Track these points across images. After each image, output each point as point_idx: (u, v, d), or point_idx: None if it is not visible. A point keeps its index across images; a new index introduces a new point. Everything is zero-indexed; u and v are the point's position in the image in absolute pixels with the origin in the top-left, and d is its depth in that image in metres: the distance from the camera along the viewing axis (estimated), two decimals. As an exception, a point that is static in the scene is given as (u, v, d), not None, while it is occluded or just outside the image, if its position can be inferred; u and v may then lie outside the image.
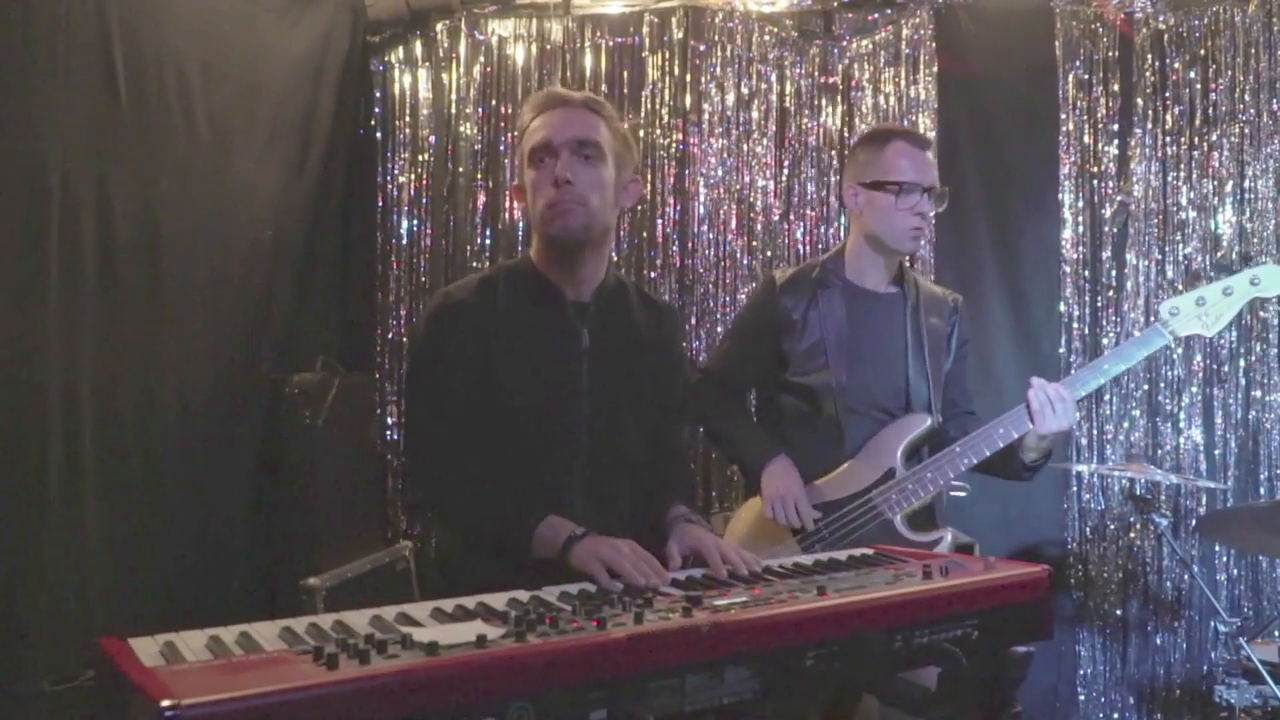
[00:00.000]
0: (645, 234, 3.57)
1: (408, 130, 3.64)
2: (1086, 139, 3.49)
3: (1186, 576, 3.39)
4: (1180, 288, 3.37)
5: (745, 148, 3.57)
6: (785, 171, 3.57)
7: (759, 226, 3.56)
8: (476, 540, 1.80)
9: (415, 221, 3.63)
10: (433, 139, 3.61)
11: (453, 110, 3.60)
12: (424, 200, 3.64)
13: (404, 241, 3.63)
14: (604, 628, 1.23)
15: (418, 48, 3.63)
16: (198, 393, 2.69)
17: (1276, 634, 2.61)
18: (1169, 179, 3.46)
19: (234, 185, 2.88)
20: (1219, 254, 3.41)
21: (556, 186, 1.81)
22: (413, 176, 3.63)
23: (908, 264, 2.64)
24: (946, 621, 1.50)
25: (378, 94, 3.64)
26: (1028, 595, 1.62)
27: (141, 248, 2.45)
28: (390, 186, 3.64)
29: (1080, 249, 3.49)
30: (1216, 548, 3.39)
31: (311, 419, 3.01)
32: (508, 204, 3.55)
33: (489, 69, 3.59)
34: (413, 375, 1.92)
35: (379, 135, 3.64)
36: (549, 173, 1.83)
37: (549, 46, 3.58)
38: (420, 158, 3.63)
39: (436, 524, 2.02)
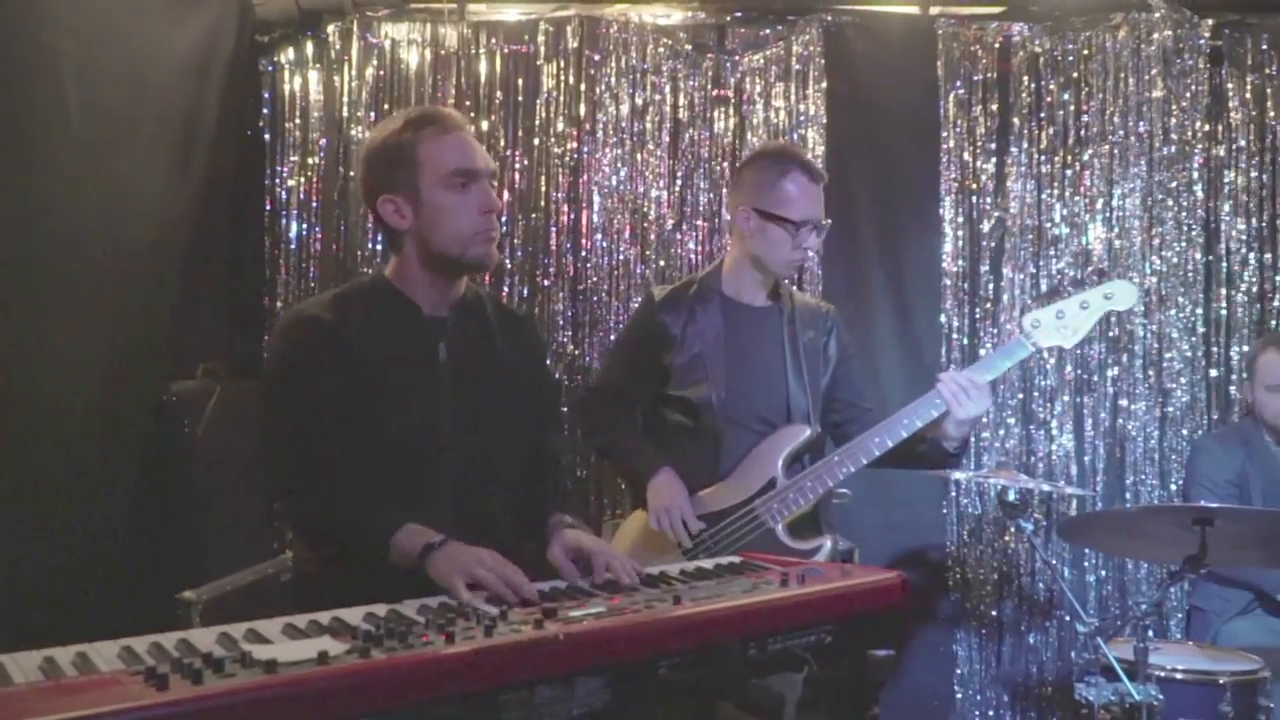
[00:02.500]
0: (539, 242, 3.58)
1: (298, 132, 3.59)
2: (966, 156, 3.62)
3: (1058, 579, 3.53)
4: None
5: (639, 158, 3.60)
6: (678, 182, 3.61)
7: (652, 236, 3.60)
8: (337, 552, 1.78)
9: (305, 225, 3.58)
10: (324, 142, 3.57)
11: (344, 113, 3.56)
12: (314, 204, 3.58)
13: (293, 246, 3.57)
14: (453, 641, 1.24)
15: (309, 49, 3.58)
16: (76, 400, 2.60)
17: (1128, 632, 2.74)
18: (1043, 196, 3.61)
19: (115, 187, 2.79)
20: (1088, 269, 3.57)
21: (485, 214, 1.85)
22: (303, 180, 3.58)
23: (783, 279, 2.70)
24: (802, 628, 1.55)
25: (267, 95, 3.58)
26: (883, 601, 1.68)
27: (17, 250, 2.36)
28: (279, 189, 3.58)
29: (960, 262, 3.62)
30: (1086, 550, 3.54)
31: (191, 427, 2.95)
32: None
33: (382, 72, 3.56)
34: (269, 393, 1.88)
35: (268, 137, 3.58)
36: (474, 199, 1.85)
37: (443, 52, 3.56)
38: (311, 160, 3.58)
39: (296, 539, 1.98)
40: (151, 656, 1.21)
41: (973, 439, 3.57)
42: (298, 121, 3.58)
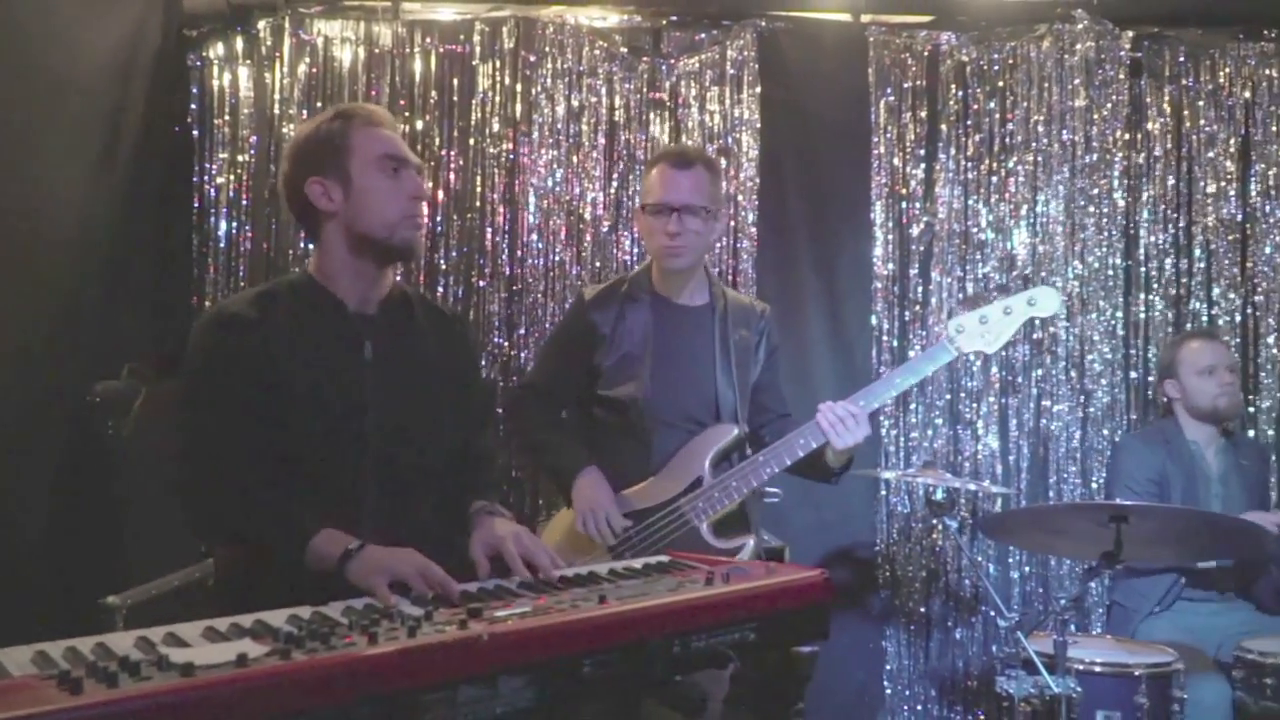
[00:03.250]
0: (474, 242, 3.57)
1: (227, 129, 3.53)
2: (896, 162, 3.69)
3: (983, 575, 3.61)
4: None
5: (575, 159, 3.61)
6: (614, 184, 3.63)
7: (588, 237, 3.61)
8: (253, 556, 1.76)
9: (235, 223, 3.53)
10: (254, 139, 3.51)
11: (276, 110, 3.51)
12: (244, 202, 3.53)
13: (222, 244, 3.52)
14: (376, 642, 1.24)
15: (238, 44, 3.53)
16: (-4, 402, 2.54)
17: (1050, 627, 2.82)
18: (970, 202, 3.69)
19: (37, 184, 2.73)
20: (1014, 273, 3.67)
21: (413, 200, 1.89)
22: (232, 177, 3.53)
23: (714, 276, 2.73)
24: (726, 626, 1.57)
25: (195, 90, 3.52)
26: (807, 599, 1.71)
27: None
28: (208, 187, 3.53)
29: (890, 265, 3.69)
30: (1010, 547, 3.63)
31: (116, 429, 2.88)
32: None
33: (314, 70, 3.52)
34: (187, 392, 1.84)
35: (196, 133, 3.52)
36: (404, 184, 1.88)
37: (377, 50, 3.53)
38: (240, 158, 3.53)
39: (215, 543, 1.95)
40: (66, 661, 1.19)
41: (903, 439, 3.66)
42: (227, 118, 3.53)
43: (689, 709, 1.48)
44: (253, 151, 3.52)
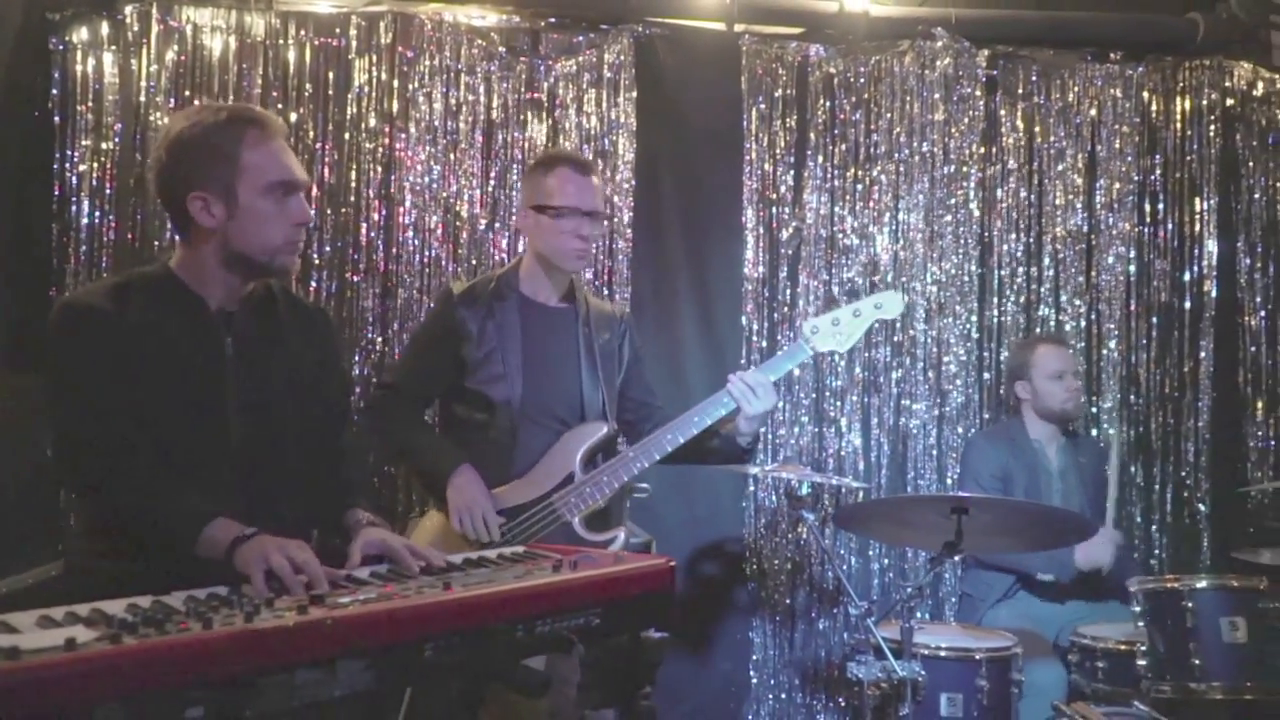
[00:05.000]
0: (348, 237, 3.55)
1: (91, 116, 3.43)
2: (767, 167, 3.82)
3: (844, 566, 3.77)
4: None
5: (452, 157, 3.62)
6: (491, 183, 3.66)
7: (464, 235, 3.63)
8: (135, 547, 1.74)
9: (98, 213, 3.43)
10: (119, 127, 3.43)
11: (142, 98, 3.42)
12: (108, 191, 3.44)
13: (84, 234, 3.42)
14: (210, 627, 1.26)
15: (103, 29, 3.43)
16: None
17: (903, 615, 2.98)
18: (836, 208, 3.84)
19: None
20: (876, 277, 3.83)
21: (299, 226, 1.88)
22: (95, 165, 3.43)
23: (578, 280, 2.79)
24: (570, 611, 1.63)
25: (57, 75, 3.41)
26: (652, 586, 1.78)
27: None
28: (69, 174, 3.42)
29: (760, 268, 3.81)
30: (870, 540, 3.79)
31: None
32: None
33: (183, 58, 3.45)
34: (54, 387, 1.79)
35: (57, 119, 3.41)
36: (292, 211, 1.86)
37: (249, 40, 3.48)
38: (104, 146, 3.43)
39: (87, 531, 1.91)
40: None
41: (769, 436, 3.78)
42: (91, 104, 3.43)
43: (531, 691, 1.54)
44: (117, 140, 3.43)
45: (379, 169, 3.58)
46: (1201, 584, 2.78)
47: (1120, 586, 3.10)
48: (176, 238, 1.95)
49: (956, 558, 3.33)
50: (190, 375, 1.82)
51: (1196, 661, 2.69)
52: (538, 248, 2.64)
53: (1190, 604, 2.68)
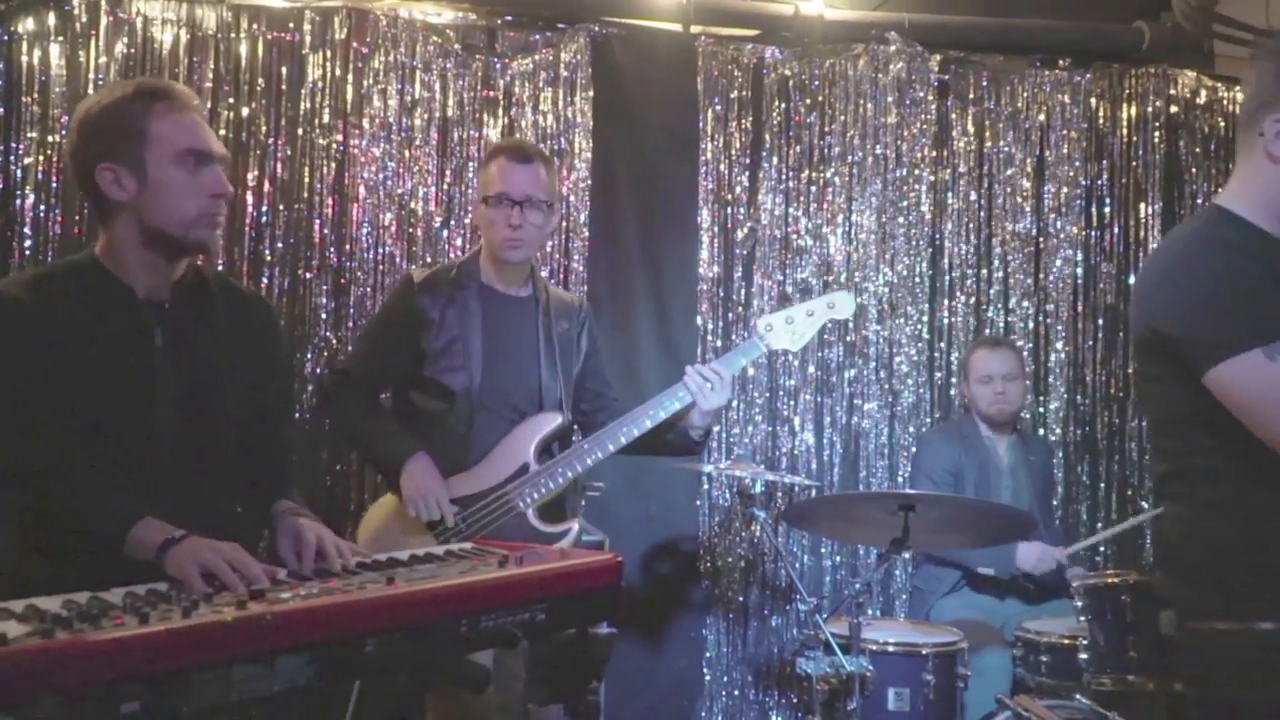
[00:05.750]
0: (301, 234, 3.52)
1: (37, 108, 3.37)
2: (722, 168, 3.84)
3: (797, 564, 3.81)
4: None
5: (407, 154, 3.61)
6: (447, 180, 3.65)
7: (419, 233, 3.62)
8: (59, 544, 1.71)
9: (43, 206, 3.38)
10: (65, 119, 3.37)
11: (90, 90, 3.37)
12: (54, 184, 3.39)
13: (29, 228, 3.36)
14: (147, 623, 1.25)
15: (51, 20, 3.38)
16: None
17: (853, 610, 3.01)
18: (790, 209, 3.88)
19: None
20: (829, 278, 3.87)
21: (213, 198, 1.82)
22: (41, 158, 3.37)
23: (538, 269, 2.80)
24: (515, 606, 1.63)
25: (2, 65, 3.35)
26: (598, 581, 1.78)
27: None
28: (14, 167, 3.36)
29: (715, 268, 3.83)
30: (823, 537, 3.83)
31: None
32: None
33: (133, 50, 3.41)
34: None
35: (2, 110, 3.35)
36: (204, 180, 1.81)
37: (200, 33, 3.45)
38: (51, 138, 3.38)
39: (11, 529, 1.87)
40: None
41: (724, 434, 3.81)
42: (37, 96, 3.37)
43: (473, 685, 1.54)
44: (64, 132, 3.37)
45: (332, 165, 3.56)
46: (1138, 579, 2.84)
47: (1065, 583, 3.16)
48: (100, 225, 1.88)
49: (906, 554, 3.38)
50: (117, 368, 1.78)
51: (1134, 655, 2.74)
52: (484, 238, 2.67)
53: (1129, 598, 2.73)
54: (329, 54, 3.55)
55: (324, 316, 3.53)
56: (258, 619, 1.31)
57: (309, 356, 3.50)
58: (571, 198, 3.71)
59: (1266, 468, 1.54)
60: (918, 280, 3.96)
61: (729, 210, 3.85)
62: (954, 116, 4.02)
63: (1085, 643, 2.88)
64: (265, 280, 3.48)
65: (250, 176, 3.47)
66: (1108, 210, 4.10)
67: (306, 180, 3.53)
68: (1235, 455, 1.57)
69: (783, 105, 3.88)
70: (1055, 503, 3.89)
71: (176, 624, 1.26)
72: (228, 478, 1.89)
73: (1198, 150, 4.15)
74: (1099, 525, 4.04)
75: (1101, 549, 4.02)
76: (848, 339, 3.90)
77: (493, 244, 2.62)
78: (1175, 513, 1.68)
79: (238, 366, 1.92)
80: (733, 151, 3.85)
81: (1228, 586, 1.58)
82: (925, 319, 3.96)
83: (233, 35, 3.48)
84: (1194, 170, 4.15)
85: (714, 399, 2.56)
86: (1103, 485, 4.06)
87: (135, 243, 1.82)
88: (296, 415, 3.42)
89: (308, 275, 3.53)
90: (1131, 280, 4.08)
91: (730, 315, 3.84)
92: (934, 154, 3.98)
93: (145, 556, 1.63)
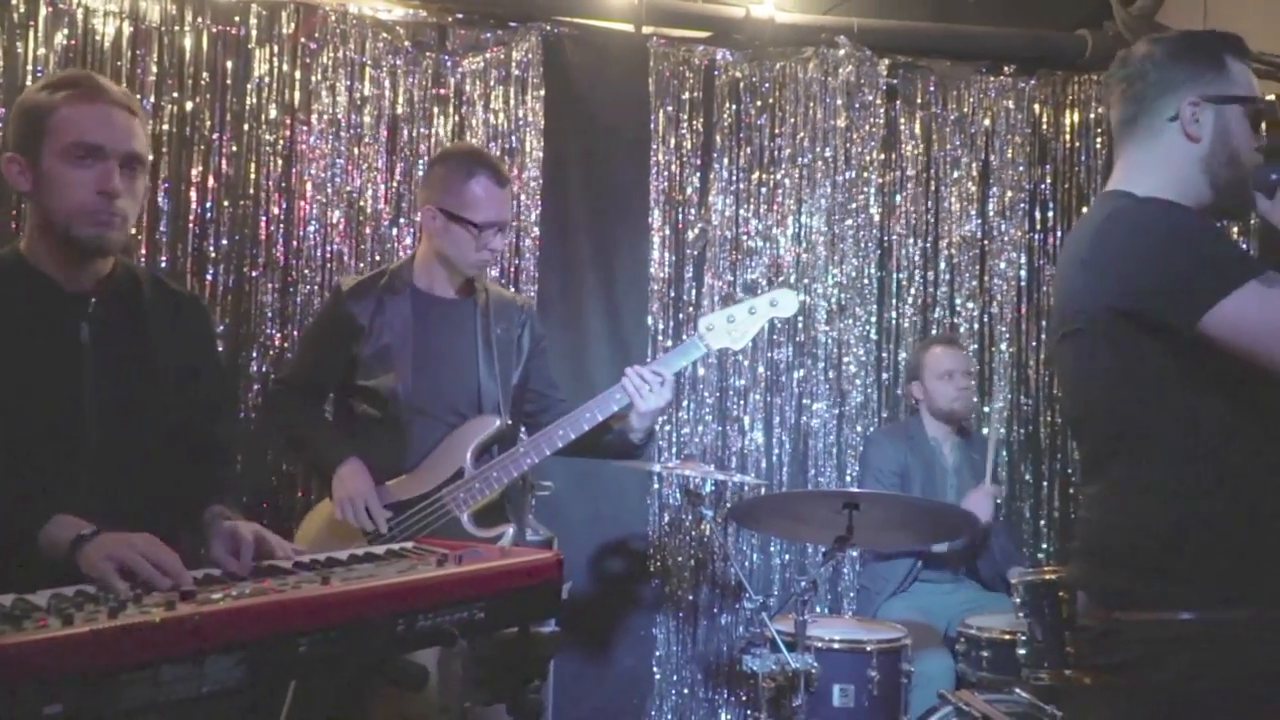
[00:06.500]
0: (247, 231, 3.48)
1: (-27, 99, 3.31)
2: (674, 168, 3.86)
3: (746, 562, 3.84)
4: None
5: (356, 151, 3.58)
6: (396, 178, 3.63)
7: (368, 231, 3.59)
8: None
9: (-20, 199, 3.31)
10: (2, 111, 3.30)
11: (29, 82, 3.30)
12: (-9, 178, 3.31)
13: (-36, 223, 3.29)
14: (71, 624, 1.23)
15: (-13, 9, 3.32)
16: None
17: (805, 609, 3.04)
18: (741, 210, 3.90)
19: None
20: (779, 279, 3.90)
21: (100, 195, 1.75)
22: (-23, 150, 3.30)
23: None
24: (453, 605, 1.63)
25: (-66, 55, 3.28)
26: (537, 579, 1.79)
27: None
28: (-50, 160, 3.28)
29: (666, 268, 3.85)
30: (771, 536, 3.86)
31: None
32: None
33: (74, 42, 3.34)
34: None
35: (-65, 101, 3.28)
36: (93, 176, 1.75)
37: (144, 26, 3.39)
38: (-12, 131, 3.31)
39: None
40: None
41: (674, 434, 3.83)
42: (-27, 87, 3.31)
43: (410, 684, 1.54)
44: (1, 125, 3.31)
45: (279, 161, 3.52)
46: (1078, 576, 2.89)
47: (1006, 580, 3.21)
48: None
49: (855, 552, 3.42)
50: (41, 364, 1.74)
51: (1070, 650, 2.79)
52: (441, 249, 2.60)
53: (1065, 594, 2.78)
54: (276, 49, 3.51)
55: (270, 315, 3.49)
56: (186, 619, 1.30)
57: (254, 355, 3.46)
58: (523, 197, 3.70)
59: (1203, 447, 1.56)
60: (866, 281, 4.00)
61: (680, 211, 3.86)
62: (902, 120, 4.07)
63: (1024, 638, 2.93)
64: (209, 277, 3.44)
65: (194, 172, 3.43)
66: (1051, 214, 4.17)
67: (253, 176, 3.49)
68: (1168, 435, 1.59)
69: (734, 107, 3.91)
70: (1000, 500, 3.94)
71: (102, 625, 1.24)
72: (156, 477, 1.85)
73: (1138, 156, 4.23)
74: (1042, 523, 4.12)
75: (1044, 546, 4.10)
76: (797, 339, 3.93)
77: (459, 261, 2.59)
78: (1100, 496, 1.70)
79: (167, 365, 1.89)
80: (684, 152, 3.87)
81: (1153, 573, 1.59)
82: (874, 320, 4.01)
83: (177, 28, 3.42)
84: (1135, 175, 4.22)
85: (652, 401, 2.54)
86: (1045, 483, 4.13)
87: (46, 236, 1.79)
88: (241, 415, 3.39)
89: (253, 273, 3.49)
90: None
91: (681, 315, 3.86)
92: (882, 157, 4.02)
93: (58, 556, 1.58)
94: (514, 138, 3.71)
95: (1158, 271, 1.57)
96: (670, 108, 3.86)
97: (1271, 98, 1.71)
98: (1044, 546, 4.11)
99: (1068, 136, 4.18)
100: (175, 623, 1.29)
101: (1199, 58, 1.70)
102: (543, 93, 3.73)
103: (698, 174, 3.88)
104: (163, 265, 3.35)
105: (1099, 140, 4.17)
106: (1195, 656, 1.54)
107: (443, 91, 3.67)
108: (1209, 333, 1.52)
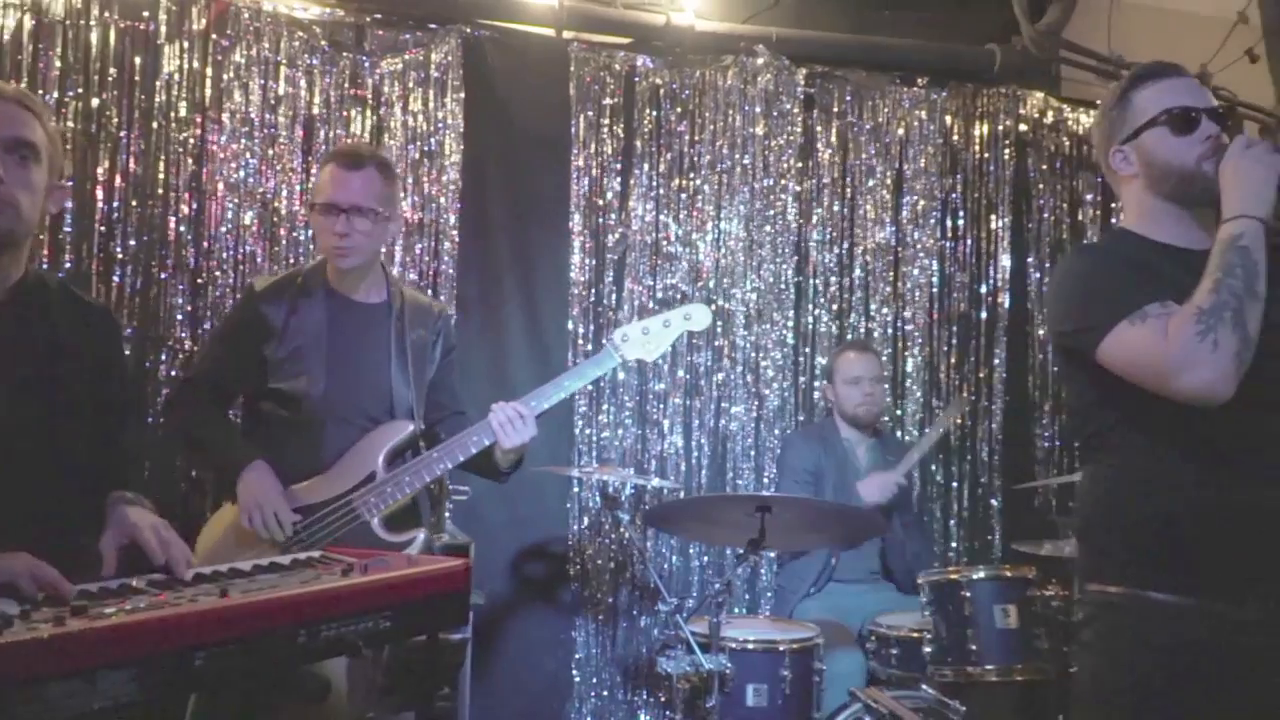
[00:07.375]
0: (156, 232, 3.40)
1: None
2: (594, 173, 3.87)
3: (666, 565, 3.87)
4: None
5: (270, 152, 3.53)
6: (311, 179, 3.57)
7: (282, 233, 3.54)
8: None
9: None
10: (-105, 106, 3.18)
11: (-77, 76, 3.20)
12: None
13: None
14: (-48, 643, 1.20)
15: (-122, 0, 3.19)
16: None
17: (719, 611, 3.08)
18: (661, 216, 3.94)
19: None
20: (699, 284, 3.94)
21: None
22: None
23: (391, 274, 2.76)
24: (358, 615, 1.62)
25: None
26: (445, 587, 1.79)
27: None
28: None
29: (586, 273, 3.86)
30: (689, 539, 3.90)
31: None
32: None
33: (-28, 35, 3.24)
34: None
35: None
36: None
37: (47, 19, 3.29)
38: (-122, 126, 3.18)
39: None
40: None
41: (594, 437, 3.84)
42: None
43: (312, 696, 1.53)
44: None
45: (190, 161, 3.45)
46: (978, 574, 2.99)
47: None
48: None
49: (771, 554, 3.47)
50: None
51: (974, 647, 2.89)
52: (317, 244, 2.64)
53: (968, 593, 2.87)
54: (186, 45, 3.44)
55: (179, 318, 3.42)
56: (76, 635, 1.27)
57: (164, 359, 3.38)
58: (441, 199, 3.69)
59: (1155, 441, 1.78)
60: (784, 287, 4.07)
61: (600, 216, 3.88)
62: (819, 129, 4.15)
63: (930, 635, 3.02)
64: (116, 279, 3.35)
65: (100, 171, 3.34)
66: (961, 222, 4.29)
67: (161, 176, 3.41)
68: (1108, 439, 1.84)
69: (654, 113, 3.94)
70: (913, 499, 4.04)
71: (-15, 643, 1.21)
72: (58, 485, 1.82)
73: (1044, 167, 4.38)
74: (952, 522, 4.23)
75: (954, 545, 4.21)
76: (716, 344, 3.98)
77: (323, 251, 2.61)
78: (1083, 485, 1.93)
79: (74, 372, 1.85)
80: (604, 157, 3.89)
81: (1120, 552, 1.80)
82: (791, 324, 4.08)
83: (82, 22, 3.33)
84: (1041, 185, 4.38)
85: (515, 438, 2.53)
86: (955, 483, 4.25)
87: None
88: (150, 420, 3.31)
89: (162, 275, 3.41)
90: (983, 289, 4.29)
91: (601, 320, 3.87)
92: (800, 165, 4.09)
93: None
94: (433, 140, 3.69)
95: (1063, 314, 1.87)
96: (591, 113, 3.87)
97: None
98: (954, 545, 4.22)
99: (977, 147, 4.30)
100: (64, 639, 1.26)
101: (1109, 111, 1.95)
102: (462, 95, 3.71)
103: (618, 179, 3.90)
104: (67, 267, 3.26)
105: (1007, 151, 4.31)
106: (1114, 620, 1.79)
107: (360, 92, 3.64)
108: (1104, 362, 1.77)
